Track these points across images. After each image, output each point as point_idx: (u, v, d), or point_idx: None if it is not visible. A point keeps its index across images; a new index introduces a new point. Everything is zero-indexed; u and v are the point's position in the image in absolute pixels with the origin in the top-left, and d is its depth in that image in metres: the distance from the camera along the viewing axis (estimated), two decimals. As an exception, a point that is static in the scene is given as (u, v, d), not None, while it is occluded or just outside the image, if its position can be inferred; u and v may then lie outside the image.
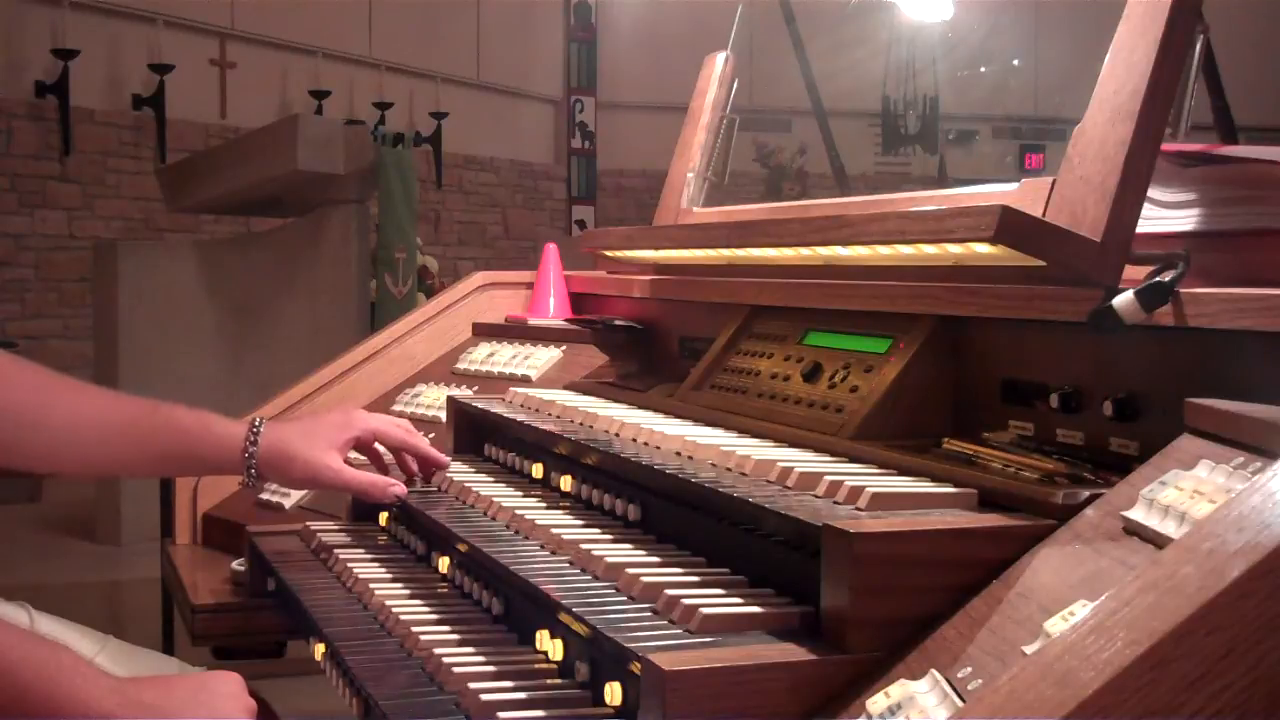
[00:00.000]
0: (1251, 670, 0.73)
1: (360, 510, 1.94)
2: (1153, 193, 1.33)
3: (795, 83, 3.17)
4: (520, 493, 1.69)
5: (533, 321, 2.51)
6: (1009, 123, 12.35)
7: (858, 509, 1.14)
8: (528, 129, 11.76)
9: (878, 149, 11.30)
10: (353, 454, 1.77)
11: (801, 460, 1.33)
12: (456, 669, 1.24)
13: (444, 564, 1.61)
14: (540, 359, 2.35)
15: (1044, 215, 1.28)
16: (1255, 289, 1.10)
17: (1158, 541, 0.94)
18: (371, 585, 1.57)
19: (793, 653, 1.02)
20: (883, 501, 1.14)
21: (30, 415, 1.53)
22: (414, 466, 1.82)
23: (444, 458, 1.83)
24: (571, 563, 1.34)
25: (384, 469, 1.81)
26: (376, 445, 1.80)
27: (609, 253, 2.22)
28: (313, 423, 1.74)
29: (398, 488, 1.73)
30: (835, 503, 1.17)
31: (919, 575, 1.03)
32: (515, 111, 11.54)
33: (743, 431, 1.54)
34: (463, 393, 2.27)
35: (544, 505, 1.60)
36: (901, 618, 1.02)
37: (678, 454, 1.46)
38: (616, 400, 1.90)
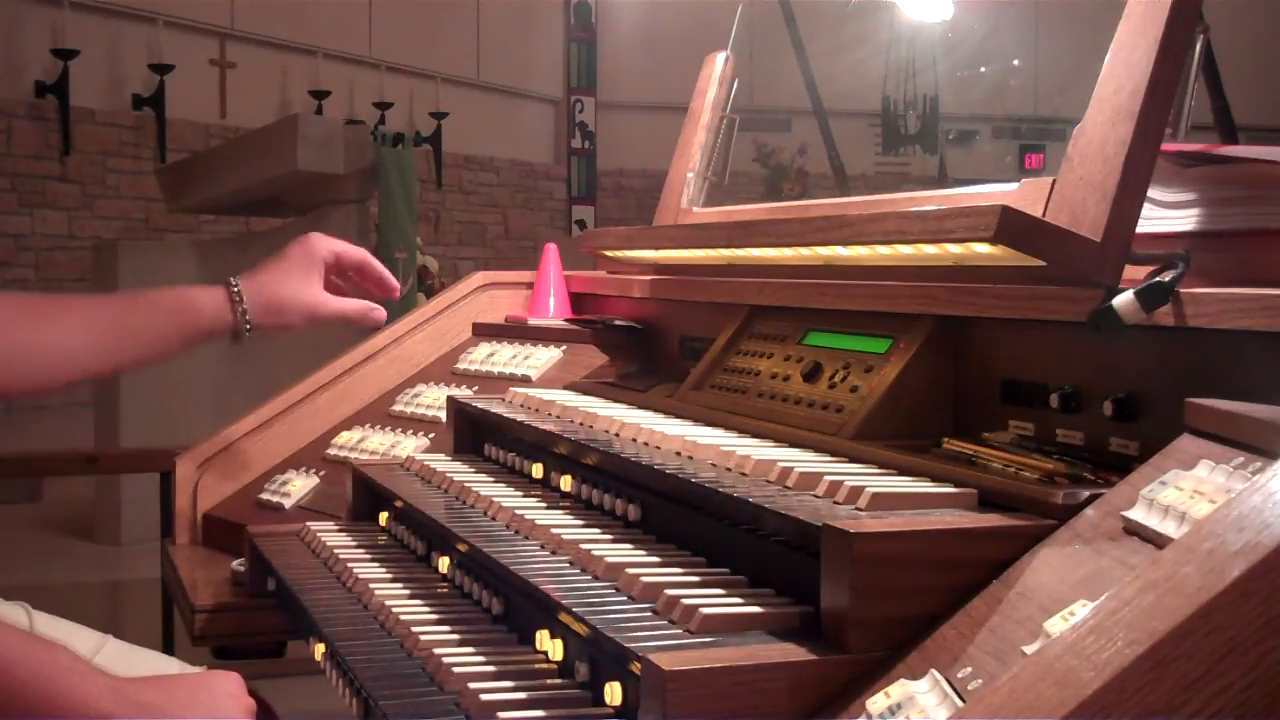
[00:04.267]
0: (1251, 670, 0.73)
1: (360, 510, 1.95)
2: (1153, 193, 1.33)
3: (795, 83, 3.17)
4: (520, 493, 1.69)
5: (533, 321, 2.51)
6: (1009, 123, 12.36)
7: (858, 509, 1.14)
8: (528, 129, 11.76)
9: (878, 149, 11.30)
10: None
11: (801, 460, 1.33)
12: (456, 669, 1.24)
13: (444, 564, 1.61)
14: (540, 359, 2.35)
15: (1044, 215, 1.28)
16: (1255, 289, 1.10)
17: (1158, 541, 0.94)
18: (371, 585, 1.57)
19: (793, 653, 1.02)
20: (883, 501, 1.14)
21: (24, 341, 1.53)
22: (376, 285, 1.87)
23: (395, 283, 1.88)
24: (571, 563, 1.34)
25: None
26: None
27: (609, 253, 2.22)
28: (283, 262, 1.75)
29: (379, 311, 1.81)
30: (835, 503, 1.17)
31: (919, 575, 1.03)
32: (515, 111, 11.54)
33: (743, 431, 1.54)
34: (463, 393, 2.27)
35: (544, 505, 1.60)
36: (901, 618, 1.02)
37: (678, 454, 1.45)
38: (616, 400, 1.90)
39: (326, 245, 1.77)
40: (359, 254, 1.83)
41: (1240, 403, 1.02)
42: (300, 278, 1.72)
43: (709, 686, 0.97)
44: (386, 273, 1.86)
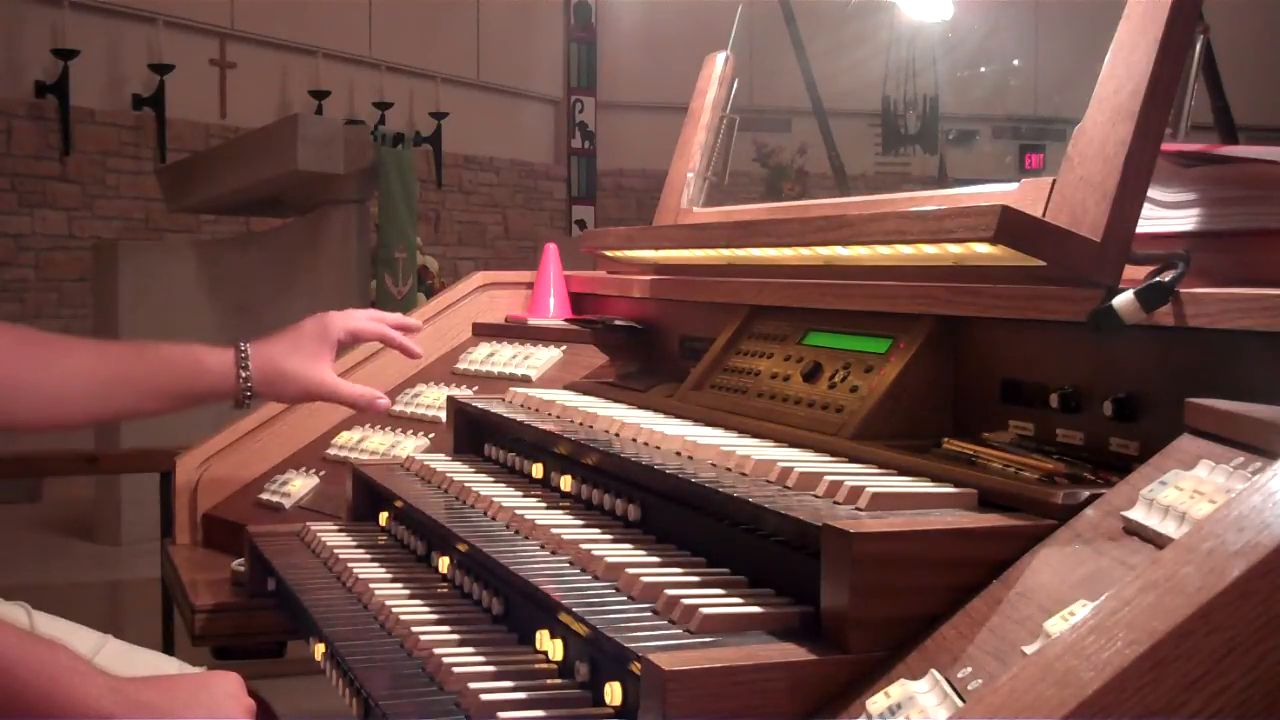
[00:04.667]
0: (1251, 670, 0.73)
1: (360, 510, 1.95)
2: (1153, 193, 1.33)
3: (795, 83, 3.17)
4: (520, 493, 1.69)
5: (533, 321, 2.51)
6: (1009, 123, 12.35)
7: (858, 509, 1.14)
8: (528, 129, 11.76)
9: (878, 149, 11.29)
10: None
11: (801, 460, 1.33)
12: (456, 669, 1.24)
13: (444, 564, 1.61)
14: (540, 359, 2.35)
15: (1044, 215, 1.28)
16: (1255, 289, 1.10)
17: (1158, 541, 0.94)
18: (371, 585, 1.57)
19: (793, 653, 1.02)
20: (883, 501, 1.14)
21: (24, 378, 1.54)
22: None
23: (416, 350, 1.96)
24: (571, 563, 1.34)
25: None
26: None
27: (609, 253, 2.22)
28: (295, 336, 1.77)
29: (384, 400, 1.85)
30: (835, 503, 1.17)
31: (919, 575, 1.03)
32: (515, 111, 11.54)
33: (743, 431, 1.54)
34: (463, 393, 2.27)
35: (544, 505, 1.60)
36: (901, 618, 1.02)
37: (678, 454, 1.45)
38: (616, 400, 1.90)
39: (342, 324, 1.81)
40: (377, 330, 1.88)
41: (1240, 403, 1.02)
42: (309, 354, 1.75)
43: (709, 686, 0.97)
44: (407, 343, 1.92)
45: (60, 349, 1.59)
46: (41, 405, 1.56)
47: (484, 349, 2.47)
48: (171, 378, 1.66)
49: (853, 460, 1.34)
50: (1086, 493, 1.07)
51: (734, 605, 1.13)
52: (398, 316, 1.95)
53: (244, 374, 1.68)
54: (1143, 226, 1.25)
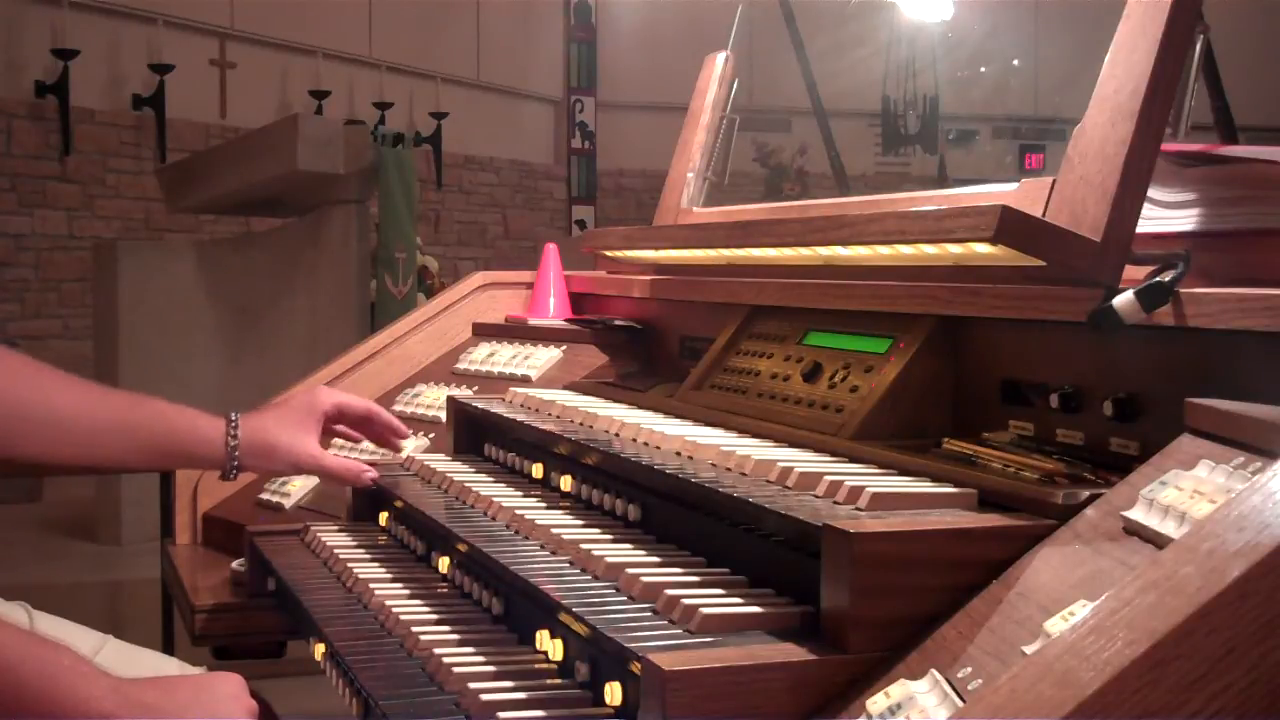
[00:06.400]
0: (1251, 670, 0.73)
1: (360, 510, 1.95)
2: (1153, 193, 1.33)
3: (795, 83, 3.16)
4: (520, 493, 1.69)
5: (533, 321, 2.51)
6: (1009, 123, 12.35)
7: (858, 509, 1.14)
8: (528, 129, 11.75)
9: (878, 149, 11.29)
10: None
11: (801, 460, 1.33)
12: (456, 669, 1.24)
13: (444, 564, 1.61)
14: (540, 359, 2.35)
15: (1044, 215, 1.28)
16: (1255, 289, 1.10)
17: (1158, 541, 0.94)
18: (371, 585, 1.57)
19: (793, 653, 1.02)
20: (883, 501, 1.14)
21: (28, 407, 1.54)
22: (382, 435, 1.91)
23: (404, 428, 1.93)
24: (571, 563, 1.34)
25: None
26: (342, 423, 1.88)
27: (609, 253, 2.22)
28: (284, 409, 1.79)
29: (371, 473, 1.83)
30: (835, 503, 1.17)
31: (919, 575, 1.03)
32: (515, 111, 11.53)
33: (743, 431, 1.54)
34: (463, 393, 2.27)
35: (544, 505, 1.60)
36: (901, 618, 1.02)
37: (678, 454, 1.46)
38: (616, 400, 1.90)
39: (330, 399, 1.82)
40: (364, 407, 1.88)
41: (1240, 403, 1.02)
42: (296, 427, 1.76)
43: (709, 686, 0.97)
44: (394, 421, 1.91)
45: (63, 382, 1.60)
46: (42, 434, 1.57)
47: (484, 349, 2.47)
48: (165, 434, 1.67)
49: (853, 460, 1.34)
50: (1086, 493, 1.07)
51: (734, 605, 1.13)
52: (386, 415, 1.90)
53: (233, 443, 1.70)
54: (1143, 226, 1.25)
